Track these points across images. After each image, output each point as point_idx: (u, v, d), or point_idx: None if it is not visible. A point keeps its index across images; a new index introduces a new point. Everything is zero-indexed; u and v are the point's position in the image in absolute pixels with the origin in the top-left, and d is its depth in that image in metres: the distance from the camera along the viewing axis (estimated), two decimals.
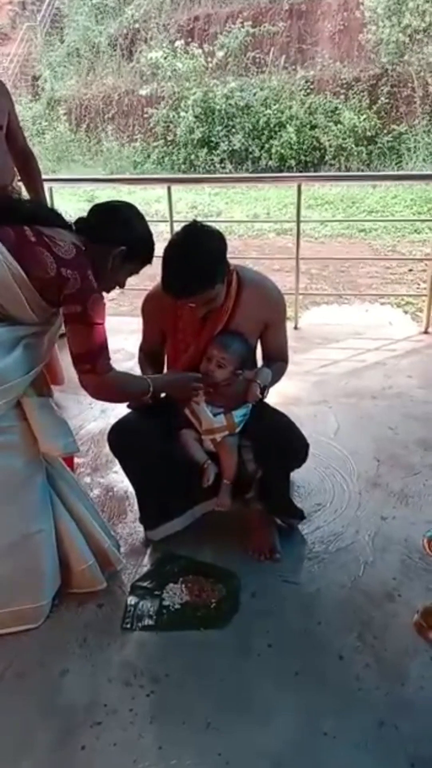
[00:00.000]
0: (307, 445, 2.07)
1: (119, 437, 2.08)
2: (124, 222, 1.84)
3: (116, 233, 1.81)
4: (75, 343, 1.77)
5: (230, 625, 1.88)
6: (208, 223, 1.98)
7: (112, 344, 3.97)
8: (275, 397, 2.22)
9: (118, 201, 1.93)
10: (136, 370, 3.38)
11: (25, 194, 2.98)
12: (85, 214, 1.87)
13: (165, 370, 2.21)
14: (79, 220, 1.84)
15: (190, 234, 1.91)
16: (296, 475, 2.30)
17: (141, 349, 2.27)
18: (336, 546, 2.17)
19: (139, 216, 1.89)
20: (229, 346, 2.02)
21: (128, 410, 2.11)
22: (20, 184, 2.97)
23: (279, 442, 2.02)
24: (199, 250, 1.86)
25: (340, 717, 1.60)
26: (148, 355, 2.24)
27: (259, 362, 2.19)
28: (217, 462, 2.14)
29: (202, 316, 2.03)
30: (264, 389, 2.02)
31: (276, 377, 2.13)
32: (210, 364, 2.03)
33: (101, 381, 1.82)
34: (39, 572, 1.88)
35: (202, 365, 2.05)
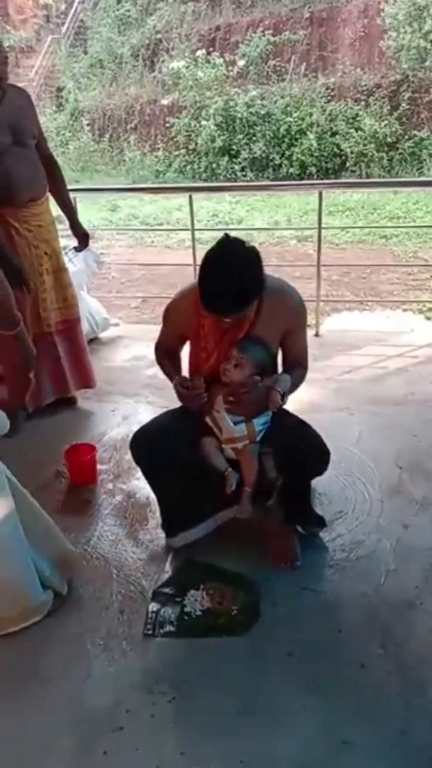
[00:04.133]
0: (328, 453, 2.07)
1: (141, 445, 2.10)
2: None
3: None
4: None
5: (251, 632, 1.88)
6: (240, 237, 1.99)
7: (134, 352, 4.02)
8: (296, 404, 2.23)
9: None
10: (159, 377, 3.42)
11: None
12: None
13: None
14: None
15: (230, 254, 1.92)
16: (317, 483, 2.29)
17: (157, 348, 2.32)
18: (357, 554, 2.17)
19: None
20: (248, 349, 2.03)
21: (150, 418, 2.14)
22: None
23: (300, 450, 2.02)
24: (241, 274, 1.88)
25: (361, 725, 1.60)
26: (165, 352, 2.29)
27: (279, 369, 2.20)
28: (238, 470, 2.15)
29: (224, 326, 2.05)
30: (284, 396, 2.02)
31: (296, 384, 2.13)
32: (228, 364, 2.04)
33: None
34: (15, 580, 1.88)
35: (221, 366, 2.06)
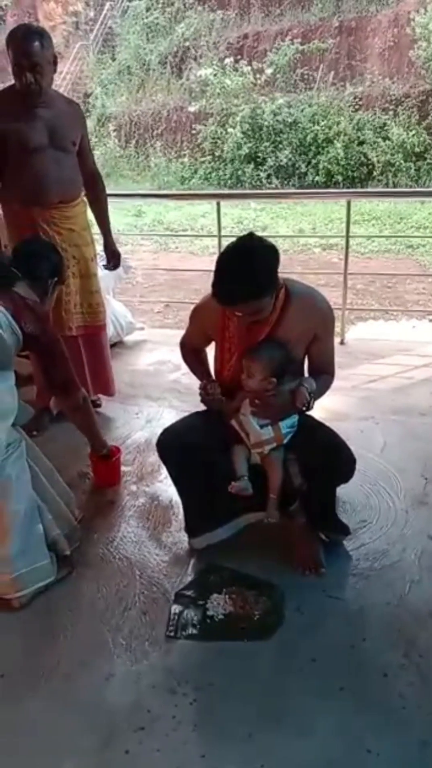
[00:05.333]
0: (353, 461, 2.06)
1: (168, 443, 2.12)
2: (47, 258, 2.20)
3: (46, 269, 2.16)
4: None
5: (274, 638, 1.88)
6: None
7: (159, 356, 4.05)
8: (321, 412, 2.23)
9: (31, 241, 2.40)
10: (182, 382, 3.43)
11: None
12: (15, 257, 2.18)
13: (213, 377, 2.25)
14: (12, 269, 2.10)
15: (247, 245, 1.94)
16: (342, 491, 2.29)
17: (183, 345, 2.35)
18: (381, 563, 2.15)
19: (50, 246, 2.33)
20: (254, 355, 2.03)
21: (176, 418, 2.15)
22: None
23: (326, 458, 2.02)
24: (253, 262, 1.88)
25: (382, 735, 1.59)
26: (190, 350, 2.33)
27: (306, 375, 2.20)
28: (262, 476, 2.15)
29: (248, 327, 2.06)
30: (311, 394, 2.02)
31: (322, 390, 2.13)
32: (243, 374, 2.06)
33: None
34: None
35: (241, 377, 2.08)
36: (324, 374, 2.16)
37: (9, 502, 1.97)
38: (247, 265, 1.87)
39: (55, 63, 2.63)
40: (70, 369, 2.21)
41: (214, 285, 1.93)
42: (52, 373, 2.23)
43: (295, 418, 2.09)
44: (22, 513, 1.99)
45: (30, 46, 2.50)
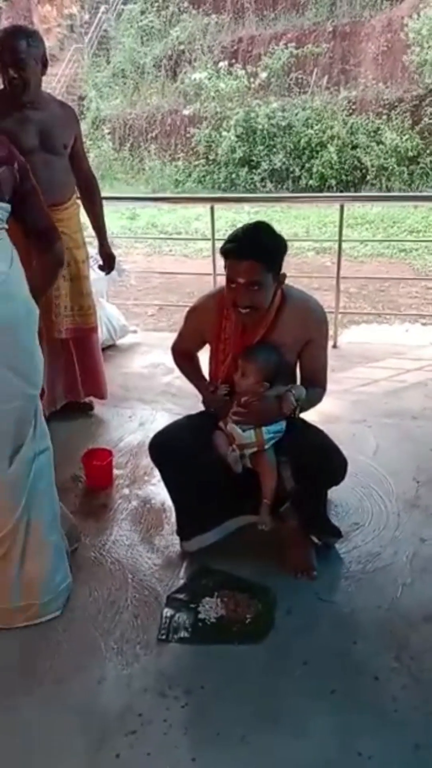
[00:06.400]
0: (345, 464, 2.06)
1: (161, 446, 2.12)
2: None
3: None
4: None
5: (265, 641, 1.88)
6: None
7: (152, 359, 4.03)
8: (314, 415, 2.23)
9: None
10: (175, 385, 3.43)
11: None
12: None
13: (207, 379, 2.26)
14: None
15: (261, 223, 2.05)
16: (334, 494, 2.29)
17: (174, 349, 2.35)
18: (373, 566, 2.16)
19: None
20: (252, 357, 2.04)
21: (169, 421, 2.16)
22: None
23: (317, 460, 2.02)
24: (269, 232, 2.00)
25: (375, 738, 1.59)
26: (181, 353, 2.34)
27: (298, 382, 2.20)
28: (256, 480, 2.15)
29: (242, 328, 2.06)
30: (298, 401, 2.02)
31: (312, 401, 2.13)
32: (236, 374, 2.07)
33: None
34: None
35: (235, 377, 2.09)
36: (316, 387, 2.16)
37: (42, 523, 1.92)
38: (263, 233, 1.99)
39: (45, 64, 2.63)
40: (49, 214, 2.11)
41: (224, 245, 1.99)
42: (32, 218, 2.05)
43: (281, 425, 2.10)
44: (51, 533, 1.96)
45: (14, 43, 2.51)
